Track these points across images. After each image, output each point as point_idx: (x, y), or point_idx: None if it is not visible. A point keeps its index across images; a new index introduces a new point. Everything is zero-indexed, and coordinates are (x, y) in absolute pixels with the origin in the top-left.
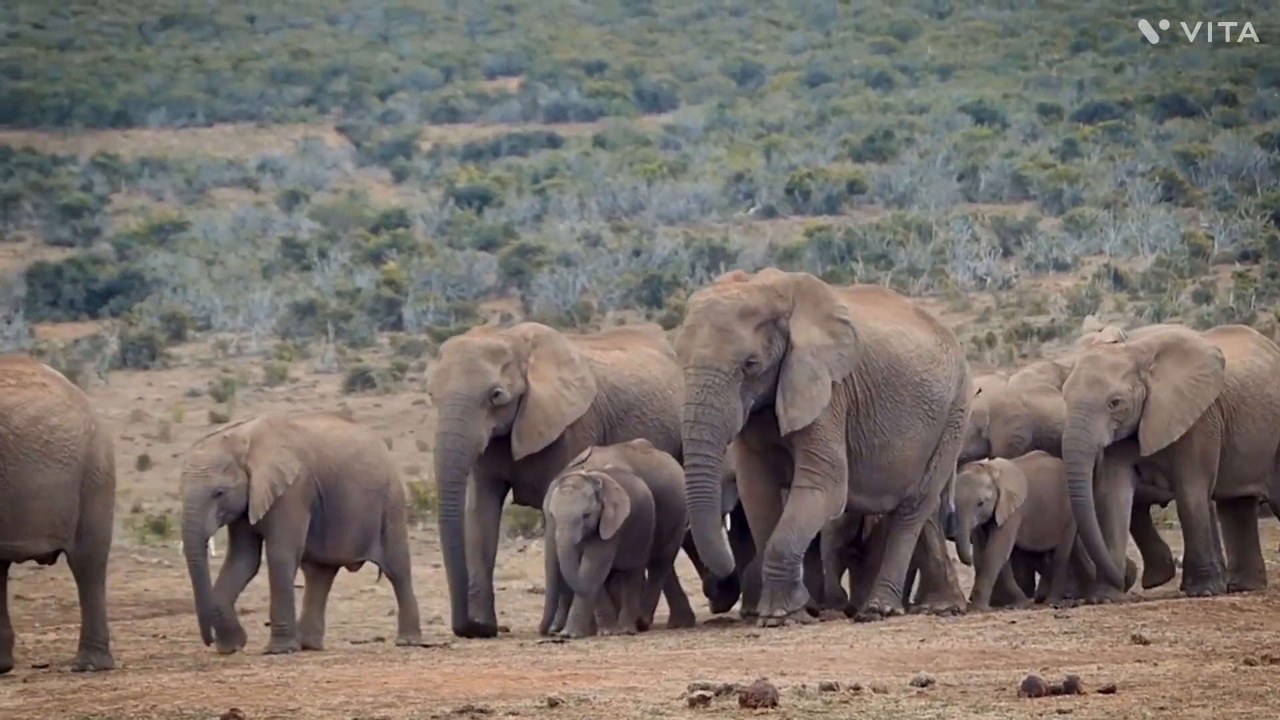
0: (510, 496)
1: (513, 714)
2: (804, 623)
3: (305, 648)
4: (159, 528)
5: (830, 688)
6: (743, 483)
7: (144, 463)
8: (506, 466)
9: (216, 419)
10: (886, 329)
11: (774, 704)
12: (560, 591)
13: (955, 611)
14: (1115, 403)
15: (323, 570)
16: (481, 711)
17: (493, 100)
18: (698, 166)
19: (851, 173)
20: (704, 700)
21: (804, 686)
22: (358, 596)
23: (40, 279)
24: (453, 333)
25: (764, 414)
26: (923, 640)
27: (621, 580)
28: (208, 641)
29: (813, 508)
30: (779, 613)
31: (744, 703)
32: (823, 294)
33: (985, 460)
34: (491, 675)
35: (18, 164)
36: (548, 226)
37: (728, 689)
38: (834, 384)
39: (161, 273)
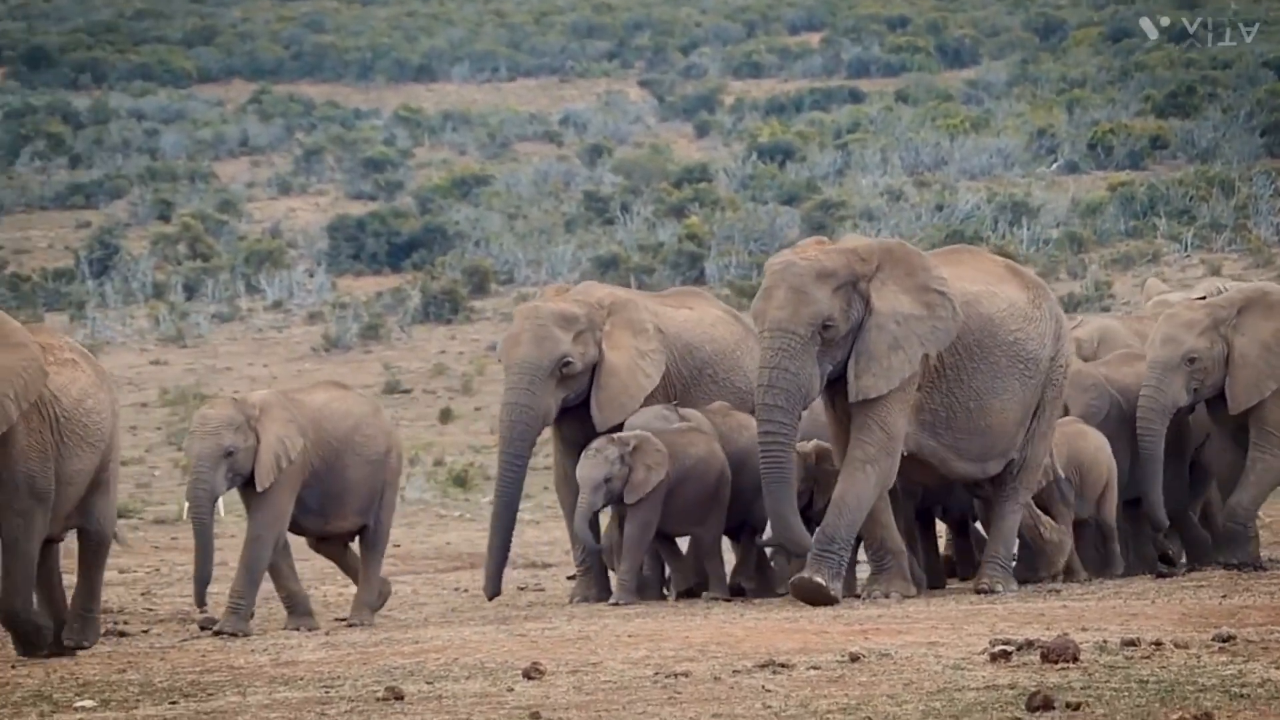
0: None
1: (814, 668)
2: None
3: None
4: (460, 481)
5: (1132, 643)
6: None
7: (446, 416)
8: (587, 432)
9: None
10: (976, 289)
11: (1075, 659)
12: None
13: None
14: (1191, 360)
15: (337, 544)
16: (783, 666)
17: (795, 55)
18: (1000, 122)
19: (1154, 128)
20: (1005, 655)
21: (1105, 642)
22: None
23: (343, 232)
24: (754, 289)
25: (839, 383)
26: (1224, 596)
27: (691, 545)
28: (202, 605)
29: (863, 488)
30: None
31: (1045, 658)
32: (918, 262)
33: None
34: (793, 630)
35: (321, 118)
36: (850, 181)
37: (1029, 644)
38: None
39: (464, 226)
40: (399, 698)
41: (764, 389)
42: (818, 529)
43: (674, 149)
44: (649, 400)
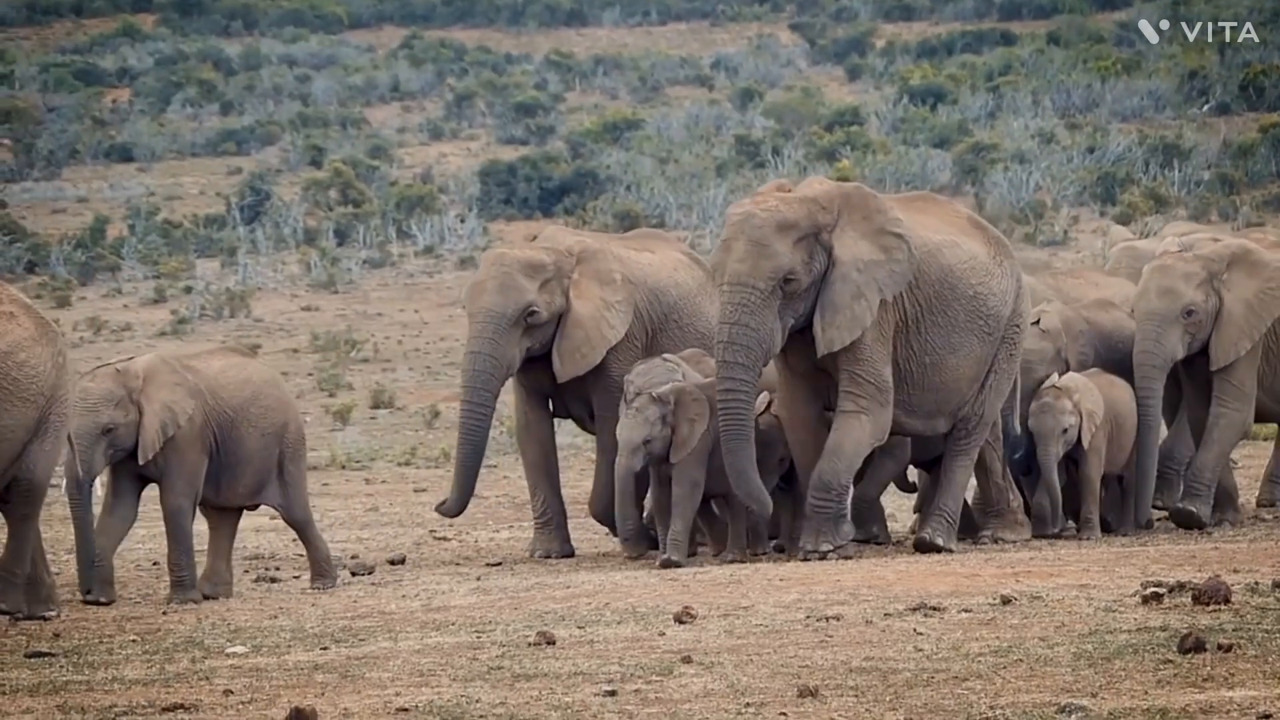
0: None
1: (965, 611)
2: (847, 558)
3: (209, 598)
4: None
5: None
6: (783, 405)
7: None
8: (549, 382)
9: None
10: (938, 239)
11: (1227, 601)
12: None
13: (1021, 542)
14: (1189, 313)
15: (223, 517)
16: (934, 609)
17: None
18: (1151, 64)
19: None
20: (1157, 597)
21: (1257, 584)
22: None
23: (494, 177)
24: None
25: (805, 334)
26: None
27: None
28: (87, 591)
29: (859, 435)
30: (824, 547)
31: (1197, 600)
32: (874, 205)
33: (1058, 382)
34: (944, 573)
35: (472, 62)
36: (1001, 124)
37: (1180, 586)
38: (883, 301)
39: (615, 171)
40: (550, 642)
41: (724, 345)
42: (814, 475)
43: (825, 92)
44: (619, 348)
